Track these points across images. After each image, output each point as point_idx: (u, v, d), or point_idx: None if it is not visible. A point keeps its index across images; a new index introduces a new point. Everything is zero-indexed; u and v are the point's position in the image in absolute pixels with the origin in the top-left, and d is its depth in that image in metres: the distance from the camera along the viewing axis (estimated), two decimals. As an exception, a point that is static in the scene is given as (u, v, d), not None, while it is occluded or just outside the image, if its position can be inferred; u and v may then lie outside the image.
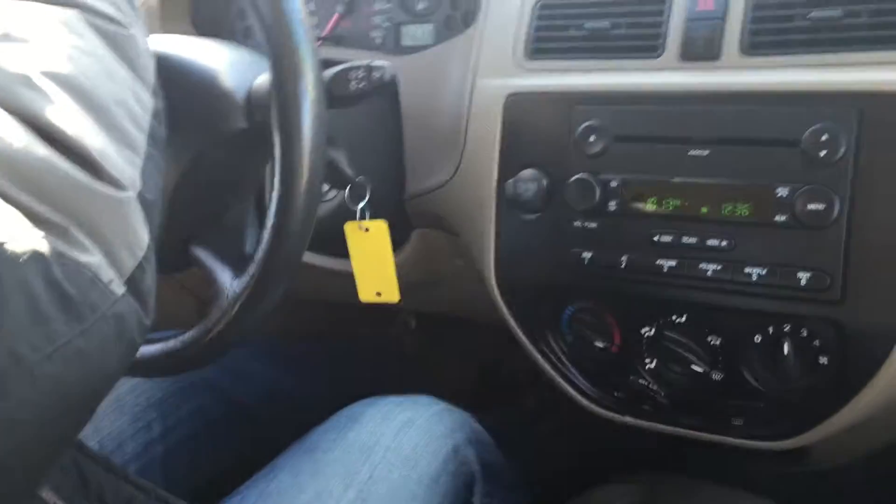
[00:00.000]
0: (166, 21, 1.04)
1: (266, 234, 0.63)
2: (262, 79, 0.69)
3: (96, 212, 0.39)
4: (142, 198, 0.43)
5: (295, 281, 0.65)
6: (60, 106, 0.39)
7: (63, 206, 0.37)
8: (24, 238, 0.35)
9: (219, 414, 0.95)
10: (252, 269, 0.64)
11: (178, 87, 0.66)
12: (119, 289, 0.40)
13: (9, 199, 0.35)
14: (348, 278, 0.93)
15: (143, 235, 0.43)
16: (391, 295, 0.85)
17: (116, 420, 0.86)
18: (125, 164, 0.42)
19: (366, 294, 0.86)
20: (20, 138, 0.37)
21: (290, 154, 0.61)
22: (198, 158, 0.68)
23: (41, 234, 0.36)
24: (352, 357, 1.31)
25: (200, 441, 0.91)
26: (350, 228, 0.83)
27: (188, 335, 0.68)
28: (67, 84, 0.40)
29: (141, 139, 0.45)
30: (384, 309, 0.91)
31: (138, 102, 0.46)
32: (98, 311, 0.38)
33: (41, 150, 0.37)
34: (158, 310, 0.46)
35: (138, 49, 0.48)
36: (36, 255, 0.35)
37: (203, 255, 0.71)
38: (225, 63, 0.70)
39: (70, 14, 0.45)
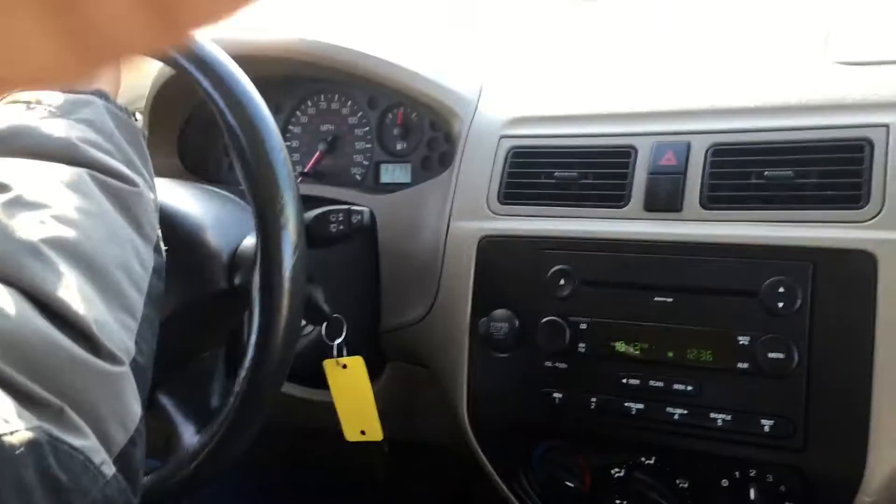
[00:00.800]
0: (154, 152, 1.07)
1: (237, 384, 0.64)
2: (249, 242, 0.71)
3: (92, 389, 0.39)
4: (135, 365, 0.44)
5: (254, 438, 0.65)
6: (63, 276, 0.40)
7: (59, 385, 0.38)
8: (20, 427, 0.35)
9: None
10: (215, 426, 0.65)
11: (164, 239, 0.69)
12: (109, 470, 0.40)
13: (4, 381, 0.36)
14: (322, 407, 0.93)
15: (135, 408, 0.43)
16: (374, 433, 0.85)
17: None
18: (122, 333, 0.43)
19: (351, 434, 0.86)
20: (21, 313, 0.38)
21: (270, 304, 0.63)
22: (175, 312, 0.69)
23: (36, 420, 0.36)
24: (323, 483, 1.29)
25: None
26: (329, 365, 0.84)
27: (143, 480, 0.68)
28: (72, 252, 0.42)
29: (139, 302, 0.46)
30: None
31: (140, 262, 0.48)
32: (88, 496, 0.38)
33: (41, 324, 0.38)
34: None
35: (145, 206, 0.51)
36: (31, 446, 0.35)
37: (167, 403, 0.71)
38: (212, 219, 0.73)
39: (79, 173, 0.47)
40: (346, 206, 0.79)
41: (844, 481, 0.66)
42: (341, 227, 0.78)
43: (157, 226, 0.53)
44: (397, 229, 0.92)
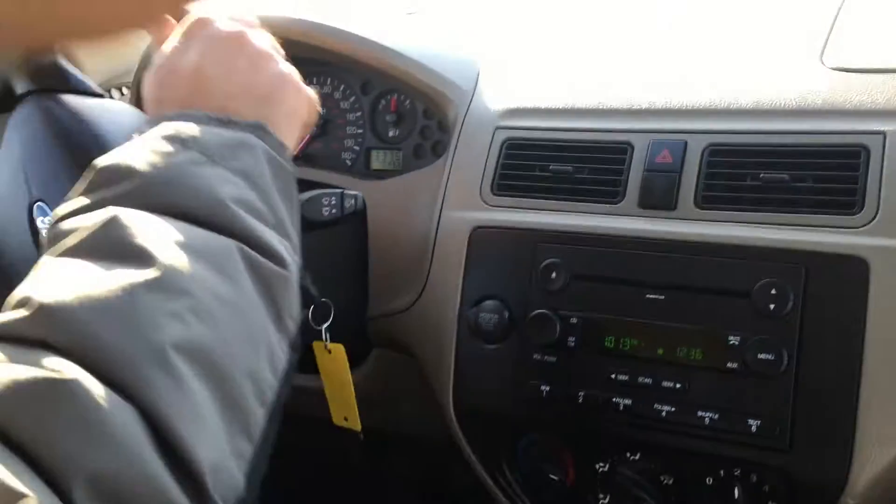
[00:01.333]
0: (140, 131, 1.06)
1: None
2: None
3: None
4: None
5: None
6: (189, 397, 0.36)
7: None
8: None
9: None
10: None
11: None
12: None
13: None
14: (300, 391, 0.92)
15: None
16: (354, 423, 0.85)
17: None
18: (235, 470, 0.38)
19: (337, 418, 0.86)
20: (134, 444, 0.33)
21: None
22: None
23: None
24: (297, 467, 1.28)
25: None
26: (317, 347, 0.83)
27: None
28: (204, 361, 0.37)
29: (261, 420, 0.41)
30: (330, 422, 0.90)
31: (272, 367, 0.42)
32: None
33: (152, 464, 0.33)
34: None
35: (290, 293, 0.45)
36: None
37: None
38: None
39: (229, 248, 0.42)
40: (338, 190, 0.78)
41: (829, 483, 0.67)
42: (333, 211, 0.77)
43: (298, 314, 0.48)
44: (387, 216, 0.92)
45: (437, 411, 0.87)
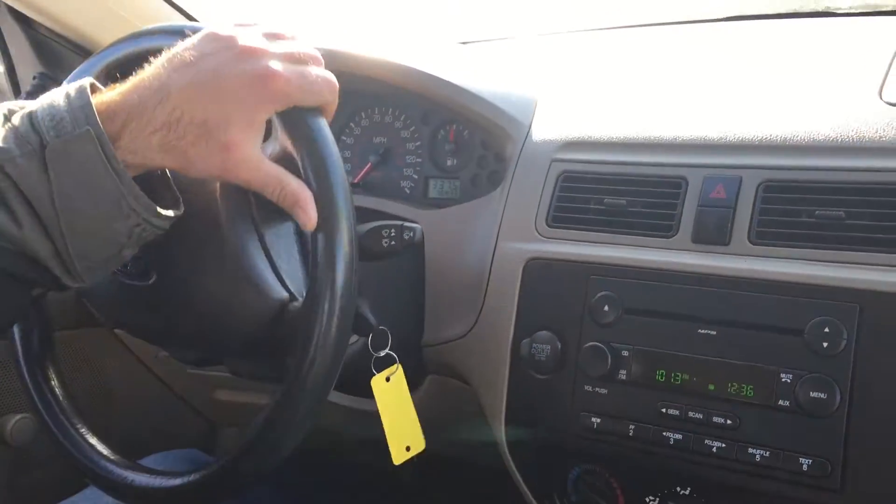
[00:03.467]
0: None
1: (280, 394, 0.66)
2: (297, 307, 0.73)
3: None
4: None
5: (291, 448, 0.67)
6: None
7: None
8: None
9: None
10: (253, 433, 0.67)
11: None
12: None
13: None
14: (357, 414, 0.95)
15: None
16: (418, 444, 0.86)
17: None
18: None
19: (398, 454, 0.86)
20: None
21: (321, 319, 0.64)
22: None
23: None
24: (350, 486, 1.31)
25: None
26: (376, 383, 0.85)
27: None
28: None
29: None
30: (382, 443, 0.92)
31: None
32: None
33: None
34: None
35: None
36: None
37: None
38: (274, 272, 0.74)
39: None
40: (398, 222, 0.80)
41: (881, 525, 0.67)
42: (392, 243, 0.79)
43: None
44: (444, 245, 0.94)
45: (489, 438, 0.88)
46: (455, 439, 1.08)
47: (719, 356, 0.73)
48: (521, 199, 0.88)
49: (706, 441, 0.73)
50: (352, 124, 1.10)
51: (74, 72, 0.79)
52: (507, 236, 0.87)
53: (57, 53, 1.22)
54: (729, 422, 0.72)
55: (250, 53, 0.61)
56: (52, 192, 0.55)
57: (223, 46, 0.61)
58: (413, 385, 0.98)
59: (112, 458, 0.76)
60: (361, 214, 0.83)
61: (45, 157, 0.55)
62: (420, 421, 0.94)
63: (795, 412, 0.69)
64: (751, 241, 0.74)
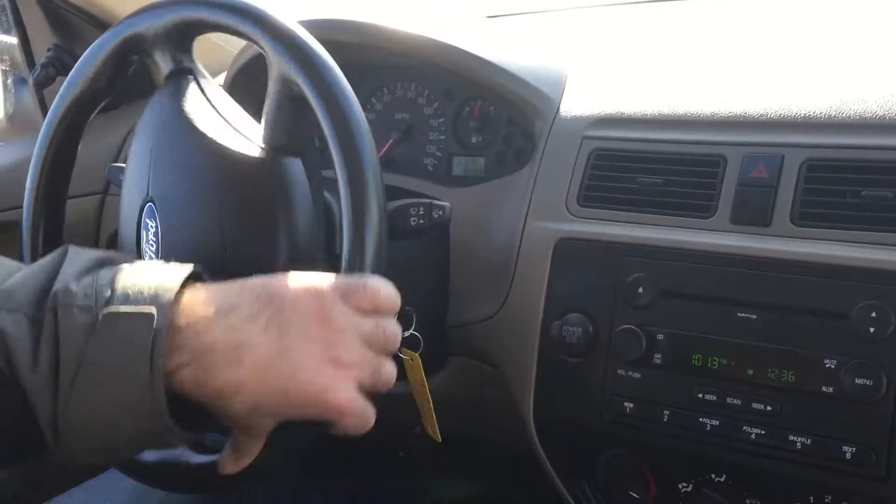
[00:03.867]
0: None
1: None
2: None
3: None
4: None
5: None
6: None
7: None
8: None
9: None
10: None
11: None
12: None
13: None
14: (377, 395, 0.93)
15: None
16: (435, 433, 0.85)
17: None
18: None
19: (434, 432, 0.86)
20: None
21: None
22: None
23: None
24: (363, 466, 1.30)
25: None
26: (407, 359, 0.83)
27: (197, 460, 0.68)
28: None
29: None
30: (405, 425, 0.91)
31: None
32: None
33: None
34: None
35: None
36: None
37: None
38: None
39: None
40: (427, 200, 0.78)
41: (927, 516, 0.65)
42: (421, 222, 0.77)
43: None
44: (470, 224, 0.92)
45: (515, 420, 0.86)
46: (480, 421, 1.06)
47: (759, 341, 0.71)
48: (550, 178, 0.85)
49: (745, 427, 0.71)
50: (373, 100, 1.08)
51: (91, 46, 0.76)
52: (536, 215, 0.85)
53: (72, 25, 1.20)
54: (769, 408, 0.70)
55: (343, 368, 0.55)
56: (85, 349, 0.49)
57: (320, 339, 0.55)
58: (437, 366, 0.96)
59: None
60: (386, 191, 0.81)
61: (99, 315, 0.50)
62: (445, 403, 0.92)
63: (839, 399, 0.67)
64: (793, 223, 0.72)
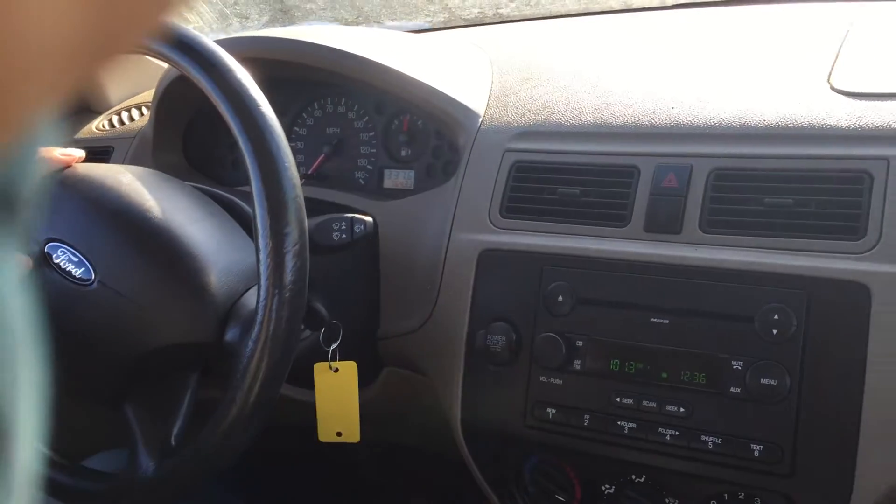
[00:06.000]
0: (159, 151, 1.09)
1: (206, 431, 0.64)
2: (249, 299, 0.71)
3: None
4: None
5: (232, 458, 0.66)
6: None
7: None
8: None
9: None
10: (171, 467, 0.65)
11: (166, 271, 0.68)
12: None
13: None
14: (312, 408, 0.94)
15: None
16: (352, 435, 0.86)
17: None
18: None
19: (326, 434, 0.87)
20: None
21: (270, 315, 0.63)
22: (155, 350, 0.69)
23: None
24: (311, 481, 1.30)
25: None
26: (319, 369, 0.85)
27: (91, 484, 0.69)
28: None
29: None
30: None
31: None
32: None
33: None
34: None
35: None
36: None
37: (132, 420, 0.71)
38: (219, 262, 0.71)
39: None
40: (349, 216, 0.79)
41: (830, 509, 0.68)
42: (343, 237, 0.79)
43: None
44: (399, 236, 0.93)
45: (446, 429, 0.88)
46: (414, 431, 1.08)
47: (672, 345, 0.73)
48: (474, 190, 0.87)
49: (659, 429, 0.73)
50: (304, 115, 1.09)
51: None
52: (460, 227, 0.87)
53: None
54: (682, 410, 0.73)
55: None
56: None
57: None
58: (370, 377, 0.97)
59: (53, 458, 0.74)
60: (315, 206, 0.82)
61: None
62: (379, 415, 0.94)
63: (747, 399, 0.70)
64: (702, 230, 0.74)
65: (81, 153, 0.77)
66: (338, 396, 0.85)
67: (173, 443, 0.69)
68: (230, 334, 0.68)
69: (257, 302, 0.65)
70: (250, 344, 0.63)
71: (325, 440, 0.87)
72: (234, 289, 0.71)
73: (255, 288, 0.66)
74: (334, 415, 0.86)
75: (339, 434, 0.87)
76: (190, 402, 0.71)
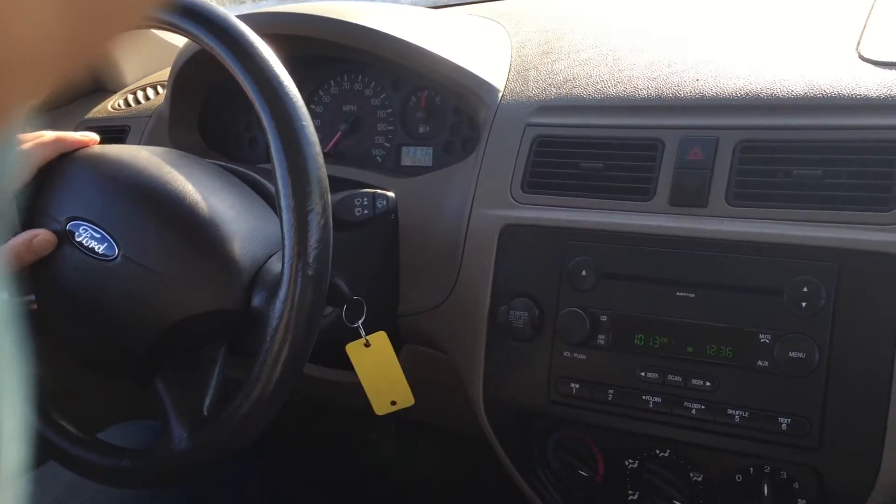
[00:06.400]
0: (175, 130, 1.08)
1: (239, 398, 0.64)
2: (274, 264, 0.70)
3: None
4: None
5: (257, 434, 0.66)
6: None
7: None
8: None
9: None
10: (203, 436, 0.65)
11: (189, 241, 0.68)
12: None
13: None
14: (335, 386, 0.94)
15: None
16: (406, 400, 0.86)
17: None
18: None
19: (381, 407, 0.87)
20: None
21: (294, 291, 0.63)
22: (182, 321, 0.69)
23: None
24: (325, 457, 1.30)
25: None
26: (352, 349, 0.84)
27: (124, 462, 0.69)
28: None
29: None
30: (365, 413, 0.92)
31: None
32: None
33: None
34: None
35: None
36: None
37: (163, 393, 0.71)
38: (242, 229, 0.71)
39: None
40: (370, 191, 0.79)
41: (859, 481, 0.67)
42: (365, 212, 0.78)
43: None
44: (418, 213, 0.93)
45: (468, 407, 0.87)
46: (435, 409, 1.08)
47: (697, 319, 0.73)
48: (495, 166, 0.87)
49: (685, 403, 0.73)
50: (320, 92, 1.08)
51: None
52: (481, 203, 0.86)
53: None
54: (708, 384, 0.72)
55: None
56: None
57: None
58: (390, 356, 0.97)
59: (71, 431, 0.74)
60: (333, 185, 0.81)
61: None
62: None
63: (774, 372, 0.69)
64: (728, 203, 0.74)
65: (96, 136, 0.76)
66: (379, 368, 0.85)
67: (206, 413, 0.69)
68: (257, 300, 0.68)
69: (282, 267, 0.65)
70: (278, 305, 0.63)
71: (382, 412, 0.87)
72: (258, 255, 0.71)
73: (279, 254, 0.66)
74: (383, 387, 0.85)
75: (393, 403, 0.86)
76: (219, 377, 0.71)
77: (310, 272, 0.64)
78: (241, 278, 0.69)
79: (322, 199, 0.66)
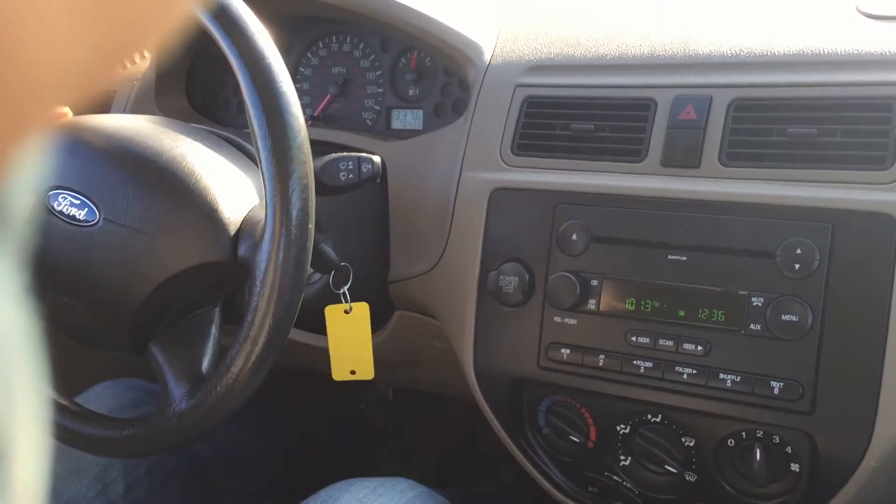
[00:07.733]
0: (162, 95, 1.06)
1: (234, 350, 0.63)
2: (257, 212, 0.69)
3: None
4: None
5: (248, 398, 0.65)
6: None
7: None
8: None
9: (178, 471, 0.94)
10: (202, 394, 0.64)
11: (176, 196, 0.67)
12: None
13: None
14: (324, 353, 0.93)
15: None
16: (366, 373, 0.85)
17: (75, 484, 0.86)
18: None
19: (340, 373, 0.87)
20: None
21: (277, 256, 0.62)
22: (173, 275, 0.68)
23: None
24: (320, 424, 1.30)
25: (160, 499, 0.91)
26: (331, 311, 0.83)
27: (127, 431, 0.68)
28: None
29: None
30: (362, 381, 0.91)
31: None
32: None
33: None
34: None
35: None
36: None
37: (159, 357, 0.70)
38: (225, 182, 0.71)
39: None
40: (356, 154, 0.77)
41: (852, 446, 0.66)
42: (351, 176, 0.76)
43: None
44: (408, 177, 0.91)
45: (459, 373, 0.87)
46: (427, 375, 1.07)
47: (689, 282, 0.71)
48: (484, 127, 0.85)
49: (676, 368, 0.72)
50: (308, 55, 1.06)
51: None
52: (471, 166, 0.84)
53: None
54: (699, 348, 0.71)
55: None
56: None
57: None
58: (381, 322, 0.96)
59: (70, 407, 0.74)
60: (322, 148, 0.80)
61: None
62: (391, 359, 0.92)
63: (767, 336, 0.68)
64: (722, 163, 0.72)
65: (67, 109, 0.75)
66: (350, 337, 0.84)
67: (204, 373, 0.68)
68: (242, 248, 0.68)
69: (265, 212, 0.64)
70: (264, 247, 0.62)
71: (339, 379, 0.86)
72: (241, 204, 0.70)
73: (262, 203, 0.65)
74: (347, 355, 0.85)
75: (352, 372, 0.86)
76: (216, 338, 0.71)
77: (294, 212, 0.63)
78: (224, 228, 0.68)
79: (302, 159, 0.64)
